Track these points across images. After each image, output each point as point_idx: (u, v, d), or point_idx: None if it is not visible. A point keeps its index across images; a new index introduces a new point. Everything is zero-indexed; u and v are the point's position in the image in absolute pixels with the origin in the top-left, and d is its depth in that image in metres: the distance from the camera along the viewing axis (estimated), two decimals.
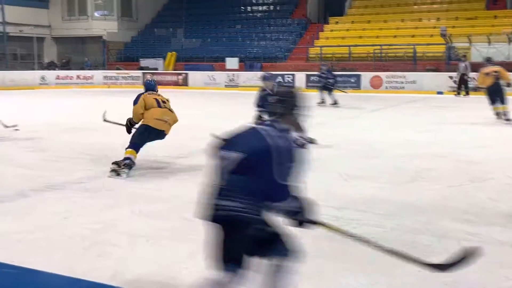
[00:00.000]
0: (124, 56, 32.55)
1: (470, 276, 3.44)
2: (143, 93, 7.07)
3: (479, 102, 14.10)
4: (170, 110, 7.10)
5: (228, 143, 2.75)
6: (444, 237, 4.34)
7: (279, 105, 2.87)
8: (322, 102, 16.54)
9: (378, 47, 25.82)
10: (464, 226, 4.61)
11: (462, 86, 20.87)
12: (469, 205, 5.29)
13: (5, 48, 30.08)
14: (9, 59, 30.73)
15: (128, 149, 6.59)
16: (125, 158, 6.48)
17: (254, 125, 2.89)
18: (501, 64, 14.57)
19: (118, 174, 6.40)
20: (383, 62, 25.20)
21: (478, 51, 23.35)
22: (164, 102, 7.07)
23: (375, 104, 17.57)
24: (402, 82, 23.62)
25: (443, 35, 24.11)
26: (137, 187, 6.09)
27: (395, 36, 26.69)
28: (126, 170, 6.45)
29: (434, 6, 28.68)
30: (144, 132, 6.80)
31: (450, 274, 2.89)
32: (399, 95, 22.04)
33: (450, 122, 12.55)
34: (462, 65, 20.81)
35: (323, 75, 16.89)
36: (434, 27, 26.01)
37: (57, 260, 3.85)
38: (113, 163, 6.53)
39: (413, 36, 26.22)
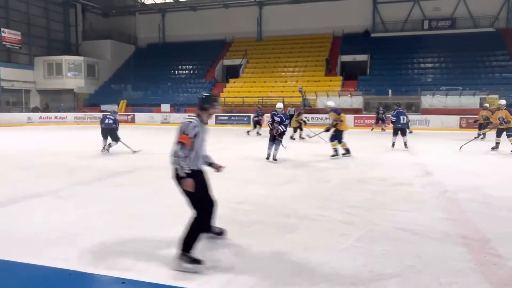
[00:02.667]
0: (89, 103, 30.96)
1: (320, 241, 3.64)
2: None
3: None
4: None
5: None
6: (304, 218, 4.57)
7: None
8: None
9: (261, 98, 26.58)
10: (316, 210, 4.87)
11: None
12: (319, 198, 5.57)
13: (0, 97, 28.58)
14: (4, 105, 28.92)
15: None
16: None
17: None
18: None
19: None
20: (265, 107, 25.88)
21: (321, 101, 24.81)
22: None
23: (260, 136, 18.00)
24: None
25: (300, 91, 25.21)
26: (101, 193, 5.85)
27: (271, 91, 27.54)
28: None
29: (294, 73, 29.96)
30: None
31: None
32: None
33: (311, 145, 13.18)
34: (292, 109, 22.43)
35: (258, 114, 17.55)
36: (295, 86, 27.11)
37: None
38: None
39: (282, 91, 27.21)
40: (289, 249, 3.60)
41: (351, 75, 27.67)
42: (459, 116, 21.41)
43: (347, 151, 9.93)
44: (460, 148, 11.27)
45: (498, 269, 3.17)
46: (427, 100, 23.10)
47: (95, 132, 6.87)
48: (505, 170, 8.20)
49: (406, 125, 12.14)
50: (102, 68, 34.03)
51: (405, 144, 11.51)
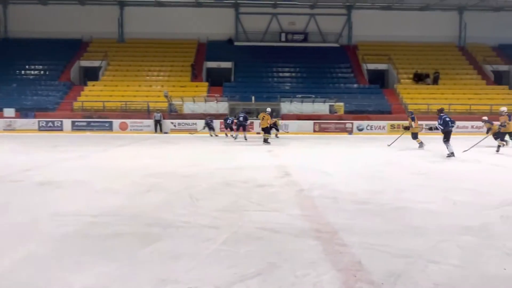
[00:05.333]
0: None
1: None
2: None
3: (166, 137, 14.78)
4: None
5: None
6: (169, 226, 4.46)
7: None
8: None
9: (124, 102, 25.31)
10: (181, 217, 4.80)
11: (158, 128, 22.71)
12: (184, 205, 5.52)
13: None
14: None
15: None
16: None
17: None
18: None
19: None
20: (128, 112, 24.74)
21: (187, 106, 24.84)
22: None
23: (122, 141, 17.11)
24: (141, 126, 23.53)
25: (165, 96, 24.80)
26: None
27: (135, 96, 26.45)
28: None
29: (159, 77, 29.36)
30: None
31: None
32: (140, 135, 21.86)
33: (168, 150, 12.99)
34: (157, 114, 22.49)
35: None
36: (160, 91, 26.56)
37: None
38: None
39: (147, 96, 26.38)
40: (153, 260, 3.47)
41: (216, 82, 28.40)
42: (313, 121, 23.75)
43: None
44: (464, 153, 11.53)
45: (343, 257, 3.57)
46: (286, 107, 25.07)
47: None
48: (349, 168, 9.35)
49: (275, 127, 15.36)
50: None
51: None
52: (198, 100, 24.99)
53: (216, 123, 21.66)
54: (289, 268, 3.32)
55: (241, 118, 16.63)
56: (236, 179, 7.41)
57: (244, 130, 16.98)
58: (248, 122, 17.33)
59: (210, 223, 4.57)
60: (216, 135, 20.48)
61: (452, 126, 11.05)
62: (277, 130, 19.20)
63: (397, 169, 9.13)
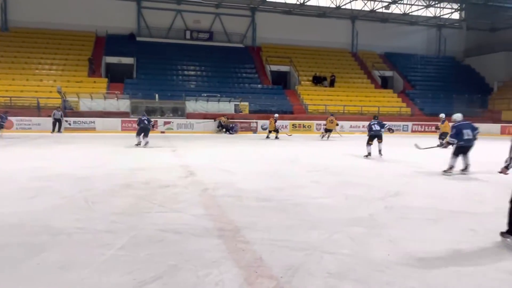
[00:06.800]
0: None
1: None
2: None
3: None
4: None
5: None
6: (59, 233, 4.10)
7: None
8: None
9: (8, 98, 22.66)
10: (73, 223, 4.46)
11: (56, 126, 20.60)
12: (77, 209, 5.13)
13: None
14: None
15: None
16: None
17: None
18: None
19: None
20: (14, 109, 22.15)
21: (84, 103, 23.18)
22: None
23: (6, 141, 15.34)
24: (30, 125, 21.31)
25: (59, 92, 22.75)
26: None
27: (22, 91, 23.81)
28: None
29: (52, 71, 26.82)
30: None
31: None
32: (28, 133, 19.80)
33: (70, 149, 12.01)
34: (57, 112, 20.60)
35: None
36: (53, 86, 24.27)
37: None
38: None
39: (36, 91, 23.89)
40: (40, 272, 3.16)
41: (117, 78, 26.91)
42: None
43: None
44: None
45: (246, 254, 3.64)
46: (191, 105, 24.78)
47: None
48: (253, 166, 9.58)
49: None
50: None
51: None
52: (96, 97, 23.43)
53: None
54: (191, 269, 3.28)
55: (145, 121, 13.99)
56: (137, 180, 7.12)
57: (147, 135, 13.97)
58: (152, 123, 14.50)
59: (107, 228, 4.31)
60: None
61: (376, 130, 11.60)
62: (277, 131, 20.08)
63: (297, 167, 9.60)
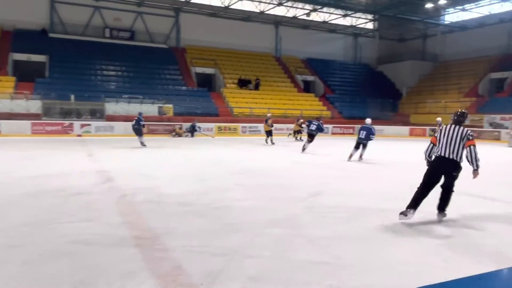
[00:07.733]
0: None
1: None
2: None
3: None
4: None
5: None
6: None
7: None
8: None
9: None
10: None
11: None
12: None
13: None
14: None
15: None
16: None
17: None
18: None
19: None
20: None
21: None
22: None
23: None
24: None
25: None
26: None
27: None
28: None
29: None
30: None
31: None
32: None
33: None
34: None
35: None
36: None
37: None
38: None
39: None
40: None
41: (26, 76, 24.69)
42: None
43: None
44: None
45: (164, 262, 3.48)
46: (111, 107, 23.57)
47: None
48: (175, 170, 9.34)
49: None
50: None
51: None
52: (2, 97, 21.29)
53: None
54: (105, 282, 3.05)
55: (135, 121, 15.65)
56: (47, 188, 6.54)
57: (138, 135, 15.60)
58: None
59: (8, 242, 3.88)
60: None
61: (315, 131, 13.87)
62: (300, 133, 21.39)
63: (221, 170, 9.53)
